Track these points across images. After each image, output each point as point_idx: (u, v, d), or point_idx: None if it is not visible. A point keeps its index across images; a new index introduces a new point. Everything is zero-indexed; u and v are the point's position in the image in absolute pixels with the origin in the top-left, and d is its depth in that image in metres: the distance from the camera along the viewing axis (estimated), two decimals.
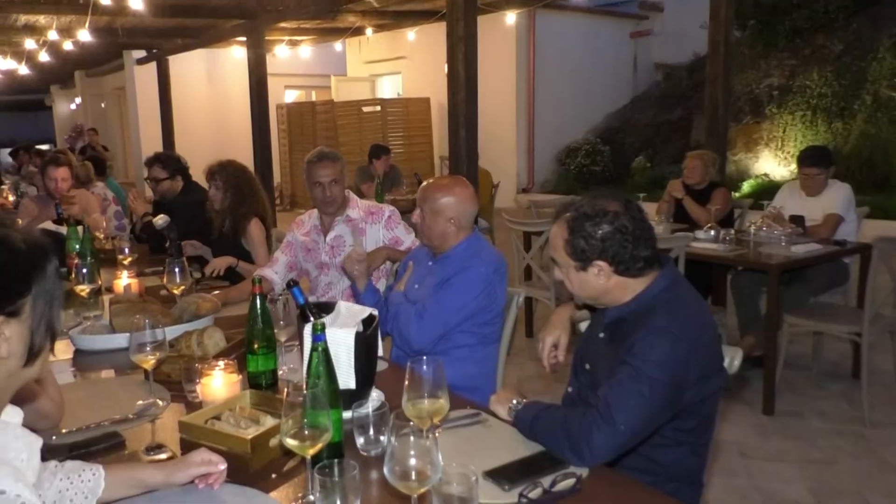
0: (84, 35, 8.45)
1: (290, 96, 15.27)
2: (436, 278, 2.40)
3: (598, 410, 1.56)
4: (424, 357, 1.53)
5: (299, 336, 1.87)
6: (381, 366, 2.09)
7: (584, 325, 2.06)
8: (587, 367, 1.82)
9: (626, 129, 12.33)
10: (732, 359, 1.83)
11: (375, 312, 1.91)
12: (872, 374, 3.86)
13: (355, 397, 1.70)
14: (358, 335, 1.74)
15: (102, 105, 17.49)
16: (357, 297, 2.52)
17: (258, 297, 1.89)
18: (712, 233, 4.20)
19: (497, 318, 2.44)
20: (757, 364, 4.00)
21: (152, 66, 12.70)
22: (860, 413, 3.62)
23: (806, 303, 4.02)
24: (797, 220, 4.25)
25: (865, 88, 9.49)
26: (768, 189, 8.72)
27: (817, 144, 6.17)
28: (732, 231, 4.18)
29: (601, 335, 1.78)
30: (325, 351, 1.47)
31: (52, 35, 9.15)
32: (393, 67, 13.50)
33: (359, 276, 2.53)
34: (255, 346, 1.88)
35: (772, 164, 9.99)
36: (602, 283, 1.70)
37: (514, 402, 1.73)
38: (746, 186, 9.67)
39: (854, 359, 4.10)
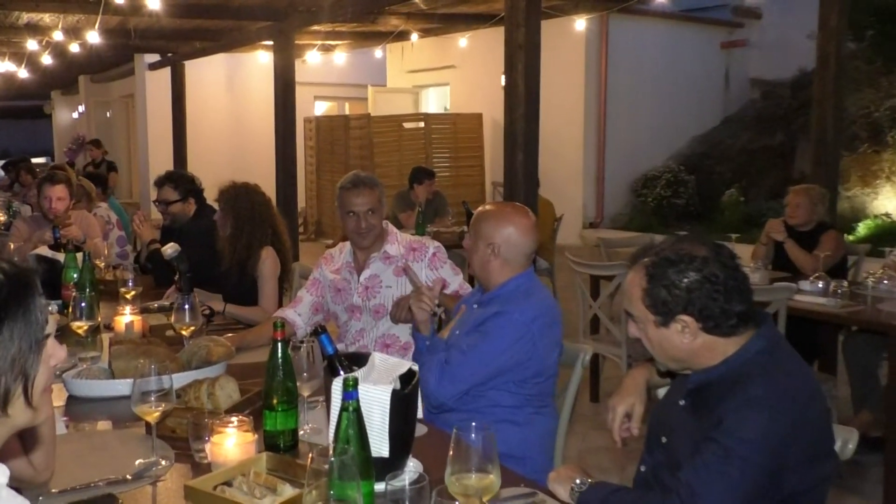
0: (93, 36, 8.80)
1: (321, 108, 15.58)
2: (475, 323, 2.43)
3: (678, 497, 1.54)
4: (473, 423, 1.52)
5: (325, 392, 1.89)
6: (420, 430, 2.09)
7: (662, 391, 2.04)
8: (663, 440, 1.80)
9: (716, 156, 12.24)
10: (846, 441, 1.79)
11: (416, 367, 1.92)
12: None
13: (389, 467, 1.69)
14: (395, 393, 1.75)
15: (108, 114, 18.14)
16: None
17: (279, 343, 1.92)
18: (820, 284, 4.14)
19: (544, 377, 2.44)
20: (875, 447, 3.87)
21: (166, 72, 13.10)
22: None
23: None
24: None
25: None
26: (890, 232, 8.55)
27: None
28: (845, 283, 4.10)
29: (681, 402, 1.76)
30: (357, 411, 1.49)
31: (58, 35, 9.50)
32: (440, 78, 13.70)
33: (424, 320, 2.54)
34: (274, 400, 1.90)
35: (895, 201, 9.80)
36: (687, 342, 1.69)
37: (578, 481, 1.72)
38: (863, 229, 9.51)
39: None
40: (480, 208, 2.59)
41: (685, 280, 1.67)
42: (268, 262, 3.60)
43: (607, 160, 11.90)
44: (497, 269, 2.46)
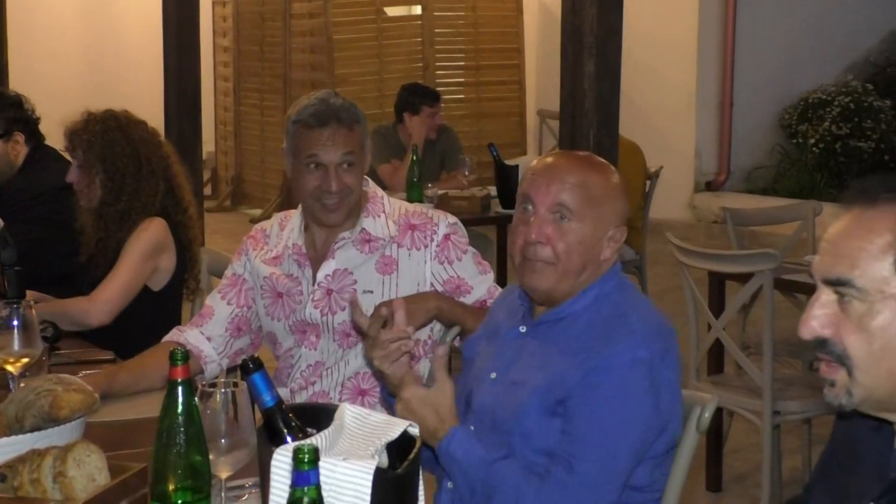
0: None
1: None
2: (550, 362, 2.44)
3: None
4: None
5: (261, 471, 1.90)
6: None
7: None
8: None
9: None
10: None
11: (416, 430, 1.93)
12: None
13: None
14: (380, 475, 1.76)
15: None
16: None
17: (179, 387, 1.91)
18: None
19: (670, 453, 2.50)
20: None
21: None
22: None
23: None
24: None
25: None
26: None
27: None
28: None
29: None
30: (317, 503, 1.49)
31: None
32: None
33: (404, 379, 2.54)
34: (171, 486, 1.90)
35: None
36: None
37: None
38: None
39: None
40: (543, 160, 2.60)
41: None
42: (143, 234, 3.66)
43: (738, 76, 11.88)
44: (596, 269, 2.50)
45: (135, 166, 3.70)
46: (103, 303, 3.60)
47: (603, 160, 2.61)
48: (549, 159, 2.58)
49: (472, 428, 2.46)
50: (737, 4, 11.75)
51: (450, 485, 2.51)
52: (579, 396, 2.36)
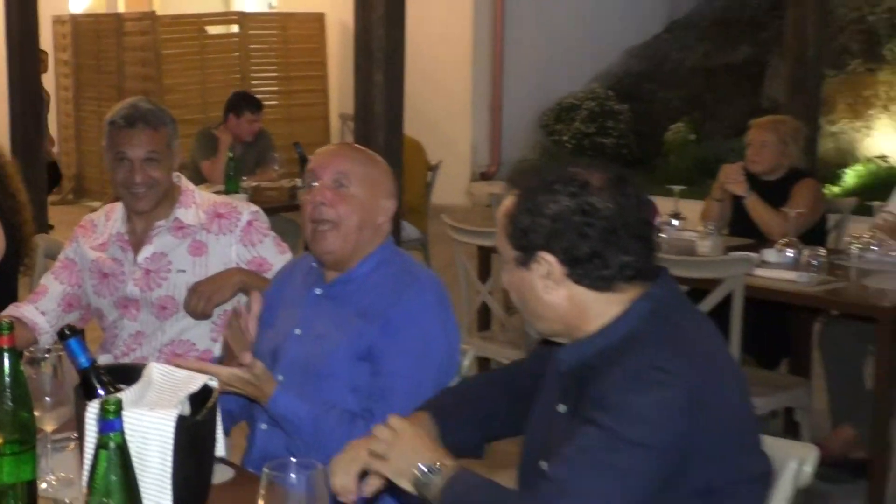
0: None
1: (81, 2, 15.10)
2: (347, 321, 2.47)
3: (541, 499, 1.67)
4: (292, 460, 1.56)
5: (78, 424, 1.88)
6: (224, 474, 2.11)
7: None
8: (544, 467, 1.87)
9: (658, 77, 12.56)
10: (802, 460, 1.91)
11: (214, 383, 1.94)
12: None
13: None
14: (182, 421, 1.77)
15: None
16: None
17: (5, 354, 1.88)
18: (790, 253, 4.32)
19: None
20: (858, 473, 4.13)
21: None
22: None
23: None
24: None
25: None
26: (886, 181, 8.93)
27: None
28: (822, 251, 4.31)
29: (561, 408, 1.88)
30: (122, 448, 1.49)
31: None
32: None
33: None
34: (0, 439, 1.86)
35: (894, 139, 10.24)
36: (552, 293, 1.82)
37: (423, 468, 1.79)
38: (851, 176, 9.91)
39: None
40: (327, 147, 2.67)
41: (553, 206, 1.78)
42: None
43: (506, 83, 12.02)
44: (375, 237, 2.55)
45: None
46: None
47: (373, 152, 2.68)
48: (330, 147, 2.66)
49: (281, 377, 2.45)
50: (504, 25, 11.91)
51: (263, 426, 2.52)
52: (383, 343, 2.41)
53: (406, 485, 1.81)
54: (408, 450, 1.82)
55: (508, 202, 1.86)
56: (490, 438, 2.19)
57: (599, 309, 1.81)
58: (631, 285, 1.81)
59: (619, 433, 1.65)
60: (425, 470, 1.78)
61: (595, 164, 1.85)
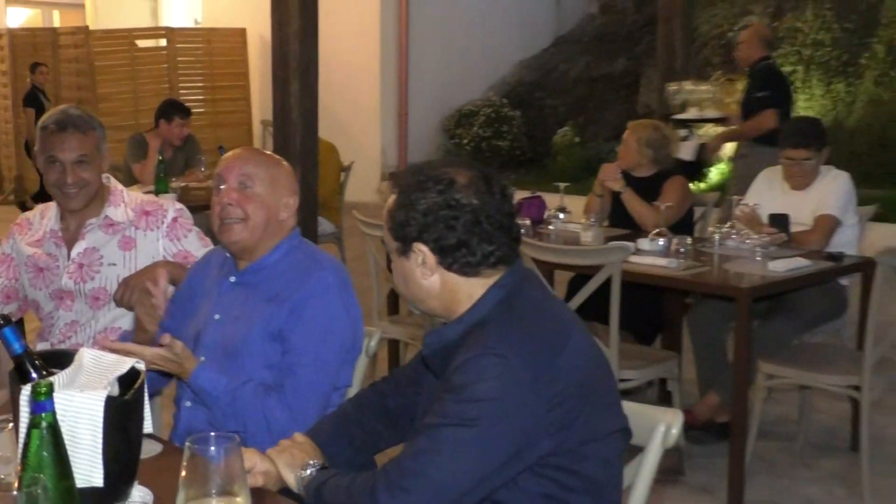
0: None
1: (17, 17, 14.77)
2: (259, 305, 2.47)
3: (385, 472, 1.74)
4: (212, 434, 1.55)
5: (13, 407, 1.83)
6: (152, 449, 2.10)
7: None
8: None
9: (547, 87, 12.71)
10: (669, 425, 1.96)
11: (141, 365, 1.91)
12: (877, 446, 4.14)
13: (106, 500, 1.69)
14: (111, 401, 1.74)
15: None
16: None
17: None
18: (661, 242, 4.41)
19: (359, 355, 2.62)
20: (723, 435, 4.24)
21: None
22: (860, 501, 3.90)
23: (789, 344, 4.30)
24: (779, 221, 4.52)
25: (877, 35, 10.19)
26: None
27: (806, 116, 6.59)
28: (689, 240, 4.41)
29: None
30: (53, 427, 1.46)
31: None
32: None
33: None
34: None
35: None
36: (427, 280, 1.89)
37: (308, 470, 1.90)
38: (715, 174, 10.18)
39: (853, 424, 4.39)
40: (235, 151, 2.61)
41: (423, 202, 1.86)
42: None
43: (411, 93, 12.06)
44: (279, 231, 2.55)
45: None
46: None
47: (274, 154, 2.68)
48: (235, 151, 2.61)
49: (203, 358, 2.44)
50: (408, 39, 11.93)
51: (188, 404, 2.51)
52: (292, 323, 2.41)
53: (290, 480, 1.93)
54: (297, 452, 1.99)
55: (390, 200, 1.94)
56: (379, 451, 2.23)
57: (469, 291, 1.88)
58: (496, 270, 1.88)
59: (461, 412, 1.71)
60: (308, 471, 1.91)
61: (464, 164, 1.92)
